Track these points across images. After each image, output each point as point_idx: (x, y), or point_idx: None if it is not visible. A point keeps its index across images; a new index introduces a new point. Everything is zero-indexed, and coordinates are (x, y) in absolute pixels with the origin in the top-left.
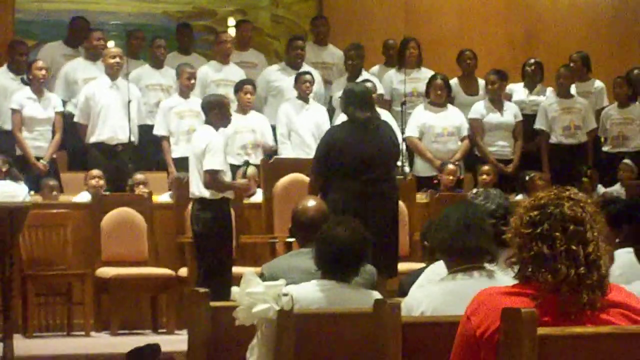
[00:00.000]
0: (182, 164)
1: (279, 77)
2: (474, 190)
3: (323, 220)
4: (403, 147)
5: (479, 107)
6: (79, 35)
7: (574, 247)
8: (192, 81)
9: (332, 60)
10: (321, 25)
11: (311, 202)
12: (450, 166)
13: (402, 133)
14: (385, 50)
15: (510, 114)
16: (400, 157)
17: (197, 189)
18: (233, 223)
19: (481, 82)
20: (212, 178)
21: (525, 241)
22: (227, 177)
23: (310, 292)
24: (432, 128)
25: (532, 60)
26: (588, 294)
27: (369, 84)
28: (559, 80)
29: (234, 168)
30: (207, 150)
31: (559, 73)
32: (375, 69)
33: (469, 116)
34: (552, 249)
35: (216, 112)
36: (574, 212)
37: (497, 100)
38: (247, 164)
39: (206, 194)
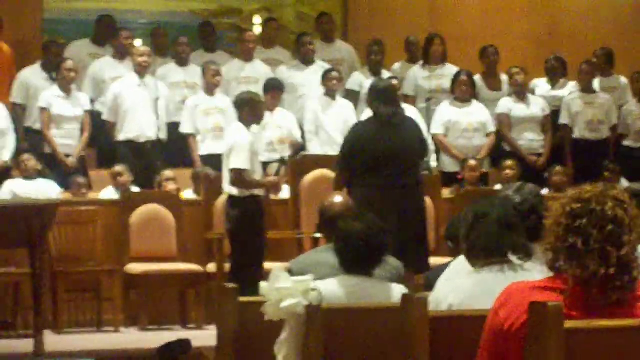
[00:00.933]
0: (208, 161)
1: (292, 74)
2: (517, 184)
3: (349, 216)
4: (431, 142)
5: (506, 102)
6: (106, 33)
7: (608, 248)
8: (218, 78)
9: (341, 56)
10: (326, 23)
11: (337, 198)
12: (472, 162)
13: (428, 129)
14: (407, 47)
15: (537, 107)
16: (428, 153)
17: (227, 186)
18: (264, 220)
19: (504, 77)
20: (236, 176)
21: (562, 231)
22: (257, 175)
23: (333, 289)
24: (458, 124)
25: (554, 56)
26: (616, 294)
27: (394, 81)
28: (580, 75)
29: (265, 165)
30: (233, 149)
31: (580, 68)
32: (397, 65)
33: (496, 111)
34: (586, 245)
35: (247, 110)
36: (615, 213)
37: (522, 94)
38: (281, 161)
39: (234, 191)
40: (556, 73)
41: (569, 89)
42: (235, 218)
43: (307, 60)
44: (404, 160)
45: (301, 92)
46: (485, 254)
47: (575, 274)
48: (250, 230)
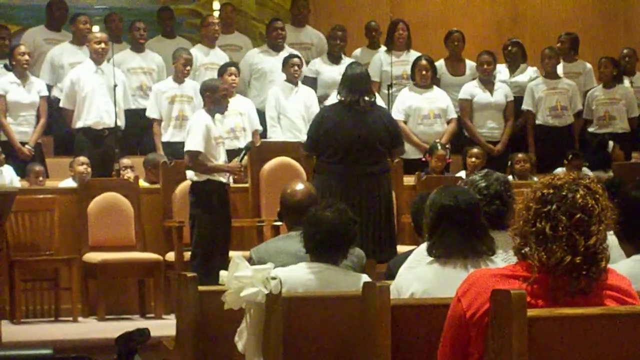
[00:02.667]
0: (168, 148)
1: (261, 59)
2: (484, 171)
3: (311, 204)
4: None
5: (469, 88)
6: (59, 17)
7: (576, 236)
8: (188, 68)
9: (310, 41)
10: (301, 7)
11: (299, 186)
12: (440, 151)
13: None
14: (368, 32)
15: (501, 93)
16: (399, 142)
17: (188, 172)
18: (227, 206)
19: (468, 63)
20: (190, 158)
21: (531, 216)
22: (219, 162)
23: (300, 275)
24: (418, 110)
25: (511, 41)
26: (582, 282)
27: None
28: (544, 60)
29: (226, 153)
30: (189, 132)
31: (543, 54)
32: (358, 51)
33: (459, 97)
34: (554, 231)
35: (208, 96)
36: (586, 201)
37: (488, 80)
38: (247, 148)
39: (193, 176)
40: (515, 58)
41: (529, 75)
42: (193, 203)
43: (276, 46)
44: (368, 148)
45: (270, 78)
46: (447, 254)
47: (541, 260)
48: (210, 215)
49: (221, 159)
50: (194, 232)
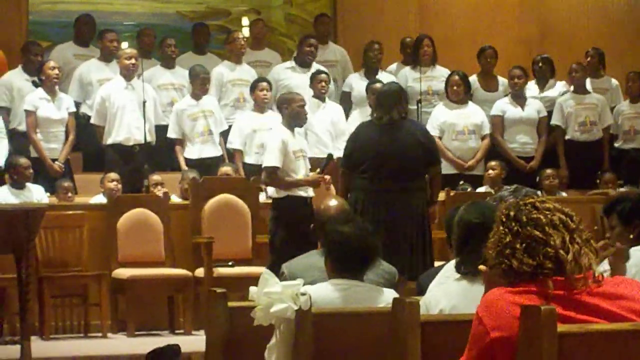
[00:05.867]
0: (198, 165)
1: (288, 75)
2: (514, 186)
3: (345, 219)
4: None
5: (500, 104)
6: (87, 33)
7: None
8: (206, 86)
9: (335, 58)
10: (325, 24)
11: (333, 202)
12: (492, 162)
13: None
14: (403, 48)
15: (532, 109)
16: (436, 159)
17: (268, 188)
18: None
19: (500, 79)
20: (267, 175)
21: (515, 231)
22: (299, 175)
23: (325, 292)
24: (453, 126)
25: (540, 57)
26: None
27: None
28: (572, 75)
29: (255, 168)
30: (265, 148)
31: (571, 69)
32: (393, 67)
33: (491, 113)
34: (543, 233)
35: (285, 108)
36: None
37: (519, 95)
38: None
39: (272, 192)
40: (544, 74)
41: (558, 90)
42: (271, 219)
43: (305, 62)
44: (402, 165)
45: None
46: (475, 271)
47: (543, 264)
48: (287, 232)
49: (301, 173)
50: (273, 250)
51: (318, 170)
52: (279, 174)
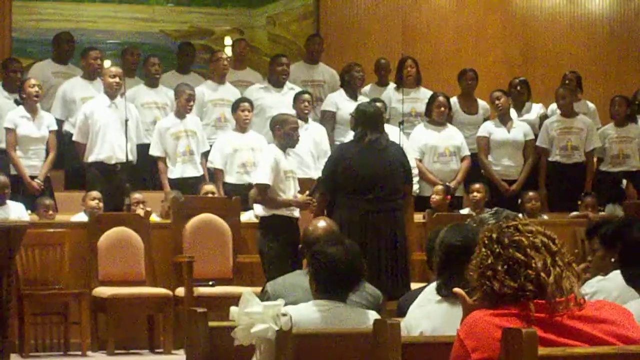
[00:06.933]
0: (179, 184)
1: (261, 95)
2: (494, 209)
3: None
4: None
5: (487, 125)
6: (66, 50)
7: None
8: (191, 103)
9: (323, 78)
10: (316, 44)
11: (321, 223)
12: (438, 187)
13: None
14: (377, 70)
15: (519, 131)
16: (411, 178)
17: (255, 206)
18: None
19: (480, 102)
20: (259, 192)
21: (497, 253)
22: (288, 194)
23: (307, 313)
24: (435, 148)
25: (518, 80)
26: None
27: (379, 104)
28: (559, 101)
29: (236, 187)
30: (257, 166)
31: (558, 93)
32: (367, 88)
33: (478, 134)
34: (525, 256)
35: (277, 129)
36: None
37: (505, 118)
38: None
39: (260, 210)
40: (521, 98)
41: (536, 111)
42: (259, 238)
43: (278, 82)
44: (387, 185)
45: (269, 114)
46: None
47: (524, 286)
48: (275, 250)
49: (290, 193)
50: (264, 268)
51: (307, 192)
52: (269, 192)
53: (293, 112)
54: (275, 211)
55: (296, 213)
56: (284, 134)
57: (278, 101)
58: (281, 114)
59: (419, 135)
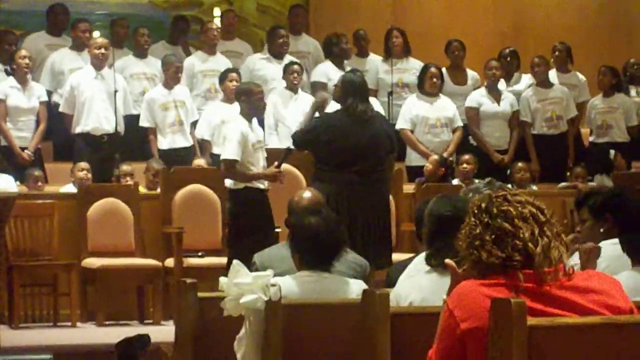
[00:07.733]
0: (170, 155)
1: (263, 65)
2: (488, 179)
3: (318, 211)
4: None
5: (476, 96)
6: (60, 22)
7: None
8: (179, 75)
9: (307, 49)
10: (299, 15)
11: (306, 193)
12: (434, 157)
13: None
14: (356, 41)
15: (507, 103)
16: (395, 149)
17: (226, 180)
18: (266, 213)
19: (470, 72)
20: (226, 168)
21: (485, 223)
22: (258, 168)
23: (294, 284)
24: (426, 119)
25: (508, 50)
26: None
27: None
28: (534, 70)
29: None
30: (224, 140)
31: (533, 63)
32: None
33: (466, 105)
34: (513, 226)
35: (243, 100)
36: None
37: (494, 89)
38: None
39: (229, 183)
40: (510, 68)
41: (525, 82)
42: (229, 211)
43: (279, 54)
44: (373, 157)
45: (271, 86)
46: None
47: (512, 256)
48: (247, 223)
49: (260, 164)
50: (231, 240)
51: (276, 164)
52: (237, 167)
53: (284, 83)
54: (247, 184)
55: (265, 184)
56: (251, 104)
57: (278, 72)
58: (245, 83)
59: (410, 106)
